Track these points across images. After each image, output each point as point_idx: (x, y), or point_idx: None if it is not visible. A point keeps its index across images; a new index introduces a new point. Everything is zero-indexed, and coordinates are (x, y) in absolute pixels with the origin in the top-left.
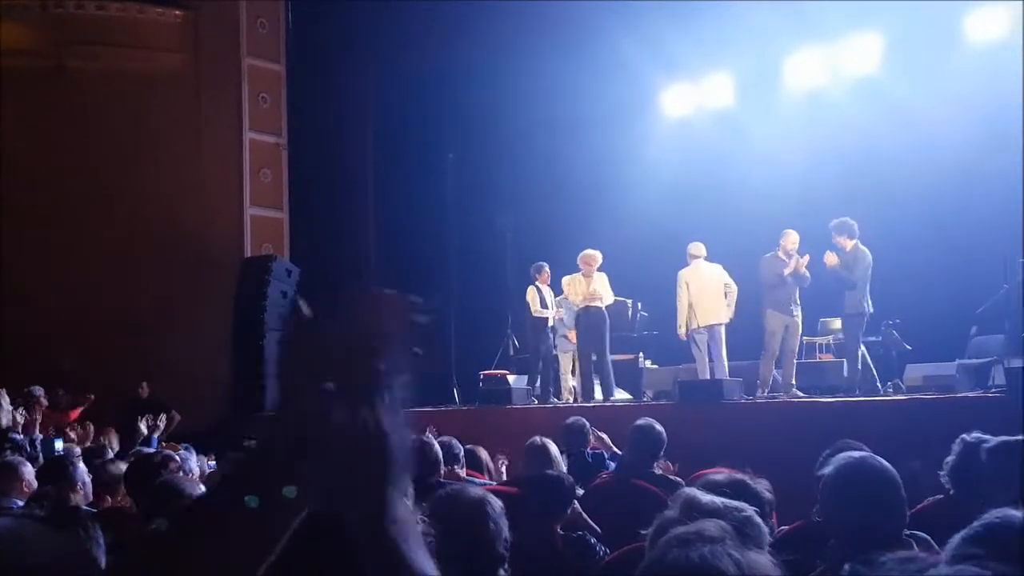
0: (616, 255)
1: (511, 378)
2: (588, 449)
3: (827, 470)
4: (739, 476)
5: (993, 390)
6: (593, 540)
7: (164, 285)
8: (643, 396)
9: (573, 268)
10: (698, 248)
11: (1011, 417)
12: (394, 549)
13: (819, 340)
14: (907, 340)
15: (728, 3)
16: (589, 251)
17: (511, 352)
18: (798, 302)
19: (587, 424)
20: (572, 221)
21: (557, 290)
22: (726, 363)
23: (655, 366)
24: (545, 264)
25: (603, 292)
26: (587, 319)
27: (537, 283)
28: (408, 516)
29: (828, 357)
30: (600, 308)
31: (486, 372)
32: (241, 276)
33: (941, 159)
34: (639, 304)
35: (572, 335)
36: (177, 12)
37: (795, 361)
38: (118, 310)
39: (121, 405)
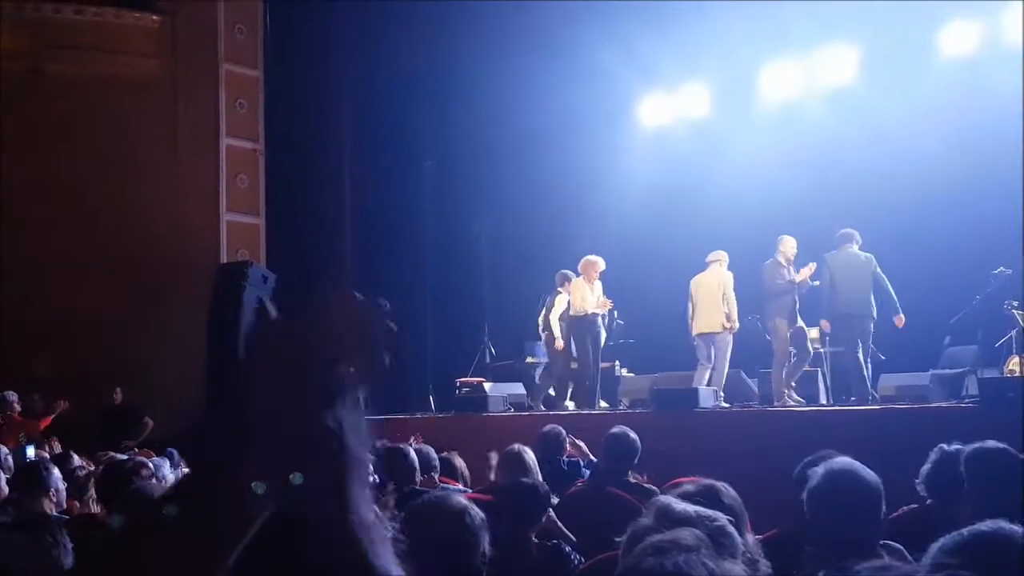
0: None
1: (487, 385)
2: (564, 457)
3: (814, 478)
4: (710, 484)
5: (966, 400)
6: (568, 548)
7: (139, 290)
8: (619, 404)
9: (550, 276)
10: (712, 255)
11: (984, 427)
12: (358, 550)
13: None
14: (881, 350)
15: (704, 12)
16: (594, 257)
17: (487, 359)
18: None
19: (563, 432)
20: (549, 229)
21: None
22: (725, 371)
23: (631, 374)
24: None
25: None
26: (595, 327)
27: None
28: (372, 517)
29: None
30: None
31: (463, 379)
32: (217, 282)
33: (915, 171)
34: (615, 312)
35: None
36: (154, 17)
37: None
38: (92, 315)
39: (95, 411)
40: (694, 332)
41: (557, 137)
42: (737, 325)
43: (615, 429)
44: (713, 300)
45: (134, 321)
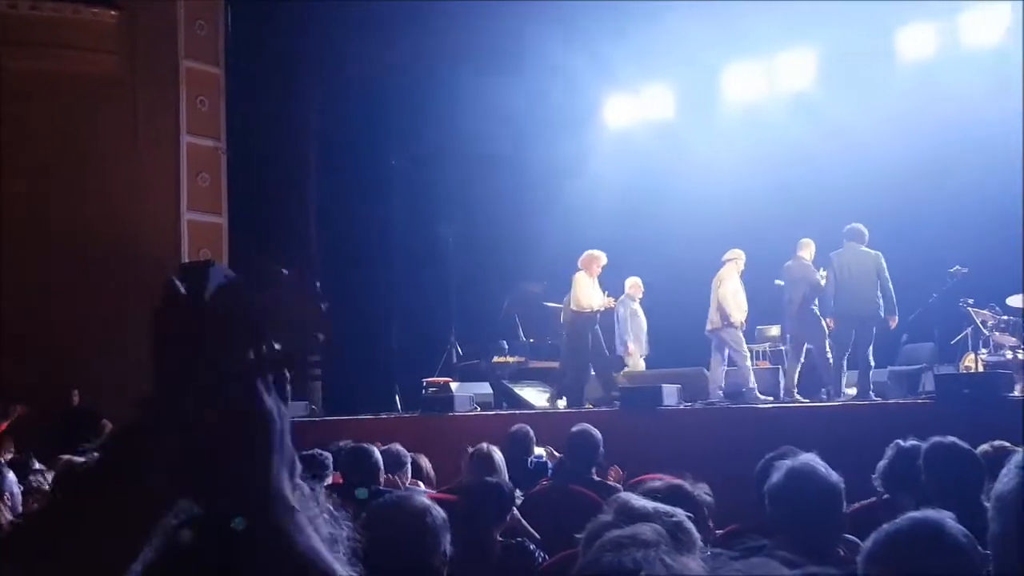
0: (558, 264)
1: (454, 385)
2: (532, 457)
3: (775, 476)
4: (677, 482)
5: (923, 396)
6: (532, 546)
7: (99, 291)
8: (584, 403)
9: (514, 276)
10: (727, 254)
11: (940, 423)
12: (285, 539)
13: (757, 347)
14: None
15: (666, 15)
16: (597, 252)
17: (454, 360)
18: None
19: (531, 432)
20: (516, 229)
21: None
22: (743, 366)
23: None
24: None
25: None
26: (596, 324)
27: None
28: (301, 505)
29: (765, 364)
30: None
31: (429, 379)
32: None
33: (873, 172)
34: None
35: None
36: (112, 12)
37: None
38: (51, 316)
39: (52, 414)
40: (707, 330)
41: (524, 138)
42: (734, 320)
43: (578, 427)
44: (714, 297)
45: (93, 322)
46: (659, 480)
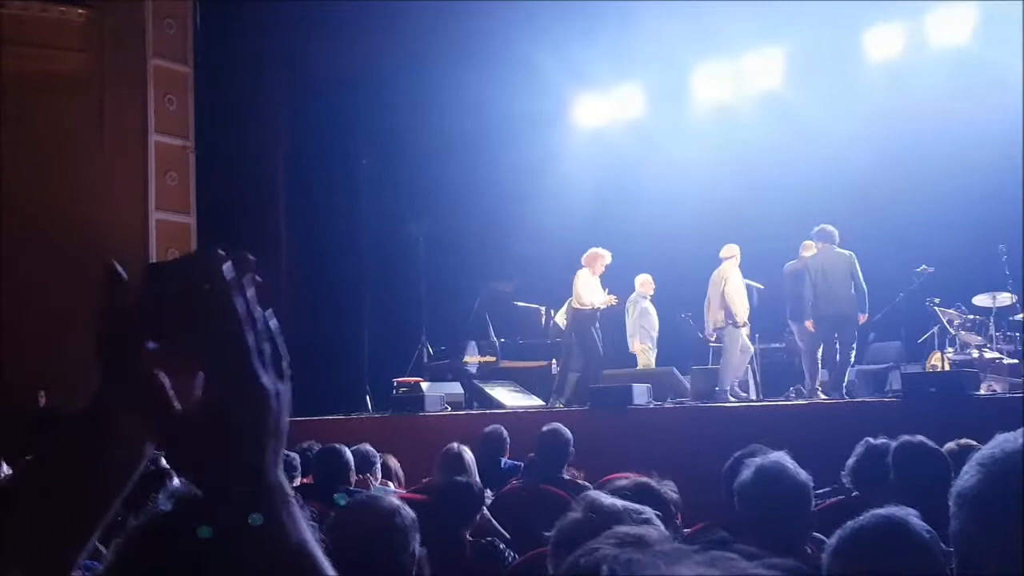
0: (529, 263)
1: (425, 385)
2: (505, 458)
3: (745, 474)
4: (644, 480)
5: (890, 395)
6: (502, 546)
7: (65, 290)
8: (555, 402)
9: (485, 275)
10: (723, 250)
11: (907, 421)
12: (281, 529)
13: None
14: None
15: (636, 14)
16: (601, 250)
17: (425, 359)
18: None
19: (505, 433)
20: (487, 229)
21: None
22: (732, 365)
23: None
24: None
25: None
26: (597, 321)
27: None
28: (286, 487)
29: None
30: None
31: (400, 379)
32: (145, 282)
33: (842, 172)
34: (552, 311)
35: None
36: (80, 11)
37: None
38: (16, 316)
39: (18, 415)
40: (708, 329)
41: (494, 137)
42: (739, 318)
43: (548, 426)
44: (716, 295)
45: (61, 321)
46: (626, 478)
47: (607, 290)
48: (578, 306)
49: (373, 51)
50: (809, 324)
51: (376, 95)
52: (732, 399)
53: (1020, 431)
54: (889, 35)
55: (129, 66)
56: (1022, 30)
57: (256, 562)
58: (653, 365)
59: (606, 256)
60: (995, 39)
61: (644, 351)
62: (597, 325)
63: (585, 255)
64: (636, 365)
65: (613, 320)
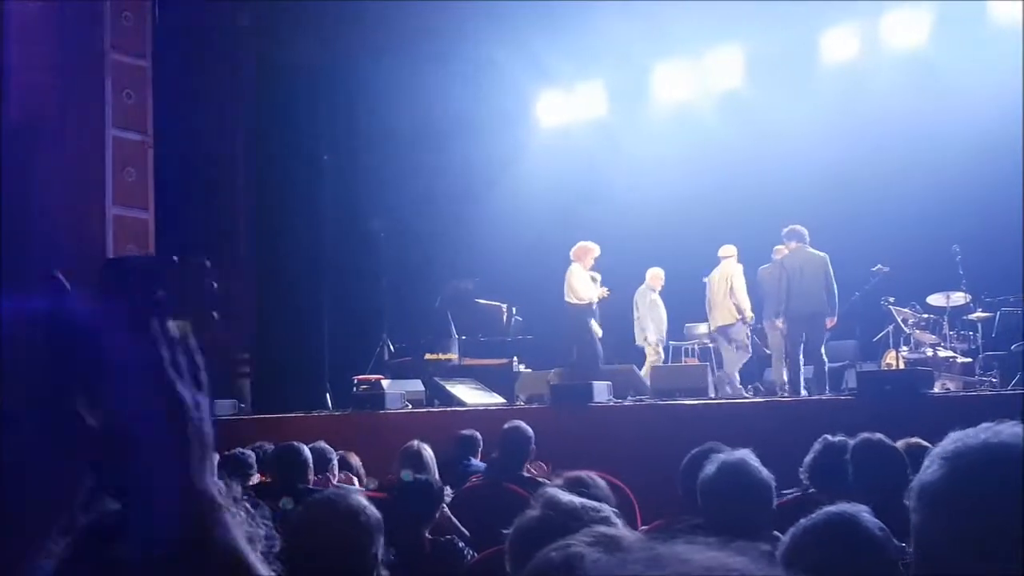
0: (491, 260)
1: (385, 383)
2: (475, 460)
3: (708, 470)
4: (577, 475)
5: (846, 393)
6: (461, 544)
7: (20, 286)
8: (516, 400)
9: (447, 272)
10: (721, 250)
11: (862, 418)
12: (209, 537)
13: (686, 344)
14: (766, 345)
15: (597, 13)
16: (590, 244)
17: (386, 356)
18: None
19: (478, 436)
20: (448, 226)
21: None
22: (735, 361)
23: (529, 370)
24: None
25: None
26: (592, 316)
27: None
28: (216, 495)
29: (693, 361)
30: None
31: (360, 376)
32: (102, 277)
33: (798, 171)
34: (514, 309)
35: None
36: (37, 2)
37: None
38: None
39: None
40: (711, 327)
41: (456, 134)
42: (749, 315)
43: (509, 424)
44: (723, 294)
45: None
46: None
47: (599, 282)
48: (575, 301)
49: (334, 46)
50: (779, 322)
51: (337, 90)
52: (748, 394)
53: (979, 428)
54: (846, 36)
55: (86, 59)
56: (977, 32)
57: (184, 571)
58: (662, 359)
59: (595, 249)
60: (950, 41)
61: (654, 347)
62: (592, 319)
63: (574, 249)
64: (643, 360)
65: (614, 315)
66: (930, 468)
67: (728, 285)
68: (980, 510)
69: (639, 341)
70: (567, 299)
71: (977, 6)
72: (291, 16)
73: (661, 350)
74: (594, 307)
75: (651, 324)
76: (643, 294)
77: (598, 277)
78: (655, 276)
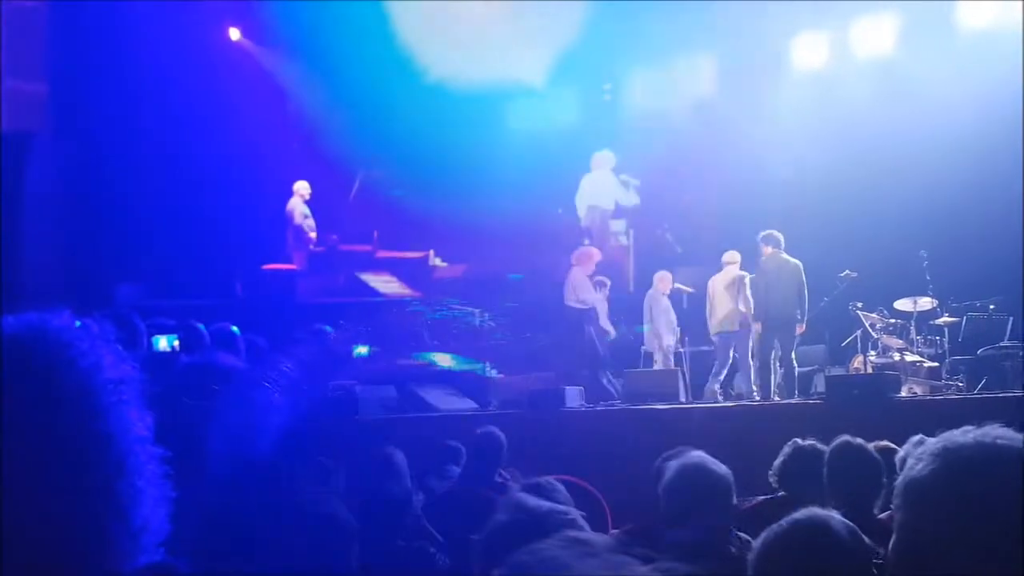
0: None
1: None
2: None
3: (668, 472)
4: (537, 481)
5: (815, 397)
6: (433, 550)
7: None
8: (489, 405)
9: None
10: (727, 256)
11: (831, 422)
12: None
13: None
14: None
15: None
16: (592, 248)
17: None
18: None
19: (463, 449)
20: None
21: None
22: (750, 367)
23: (501, 375)
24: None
25: None
26: (593, 322)
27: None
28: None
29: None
30: None
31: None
32: None
33: (767, 176)
34: (486, 314)
35: None
36: None
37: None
38: None
39: None
40: (712, 332)
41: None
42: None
43: (482, 430)
44: (730, 299)
45: None
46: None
47: (607, 287)
48: (578, 306)
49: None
50: (757, 326)
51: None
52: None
53: (964, 429)
54: (815, 43)
55: None
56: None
57: None
58: (672, 362)
59: (597, 254)
60: (917, 48)
61: (667, 349)
62: (593, 324)
63: (576, 254)
64: (651, 364)
65: (617, 318)
66: (918, 465)
67: (737, 291)
68: (972, 506)
69: (649, 347)
70: (567, 302)
71: (945, 9)
72: None
73: (672, 355)
74: (598, 310)
75: (665, 329)
76: (656, 299)
77: (608, 282)
78: (664, 279)
